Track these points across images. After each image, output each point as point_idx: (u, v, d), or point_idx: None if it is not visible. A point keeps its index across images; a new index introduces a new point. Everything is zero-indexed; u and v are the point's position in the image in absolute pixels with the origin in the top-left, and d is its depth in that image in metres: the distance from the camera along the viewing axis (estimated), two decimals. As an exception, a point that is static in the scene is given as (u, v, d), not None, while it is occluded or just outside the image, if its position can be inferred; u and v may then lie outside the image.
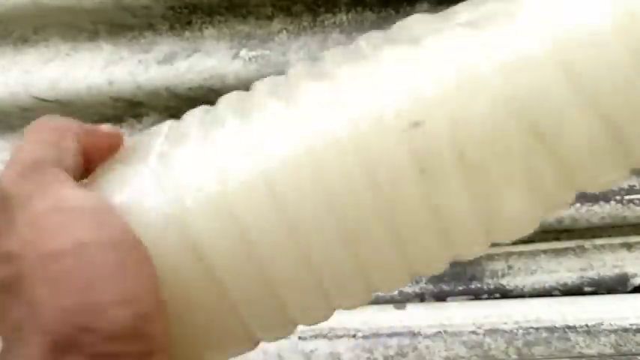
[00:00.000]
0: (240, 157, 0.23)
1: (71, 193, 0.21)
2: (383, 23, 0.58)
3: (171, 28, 0.60)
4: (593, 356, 0.58)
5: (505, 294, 0.68)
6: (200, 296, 0.23)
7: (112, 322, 0.19)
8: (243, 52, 0.59)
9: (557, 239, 0.68)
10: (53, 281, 0.19)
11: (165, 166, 0.24)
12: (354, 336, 0.63)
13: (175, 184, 0.23)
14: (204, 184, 0.23)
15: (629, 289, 0.67)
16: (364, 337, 0.62)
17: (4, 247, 0.20)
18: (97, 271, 0.19)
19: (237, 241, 0.23)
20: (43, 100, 0.61)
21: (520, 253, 0.66)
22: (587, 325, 0.61)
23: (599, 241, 0.68)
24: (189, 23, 0.60)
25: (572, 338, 0.60)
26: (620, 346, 0.59)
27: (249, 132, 0.24)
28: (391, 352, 0.61)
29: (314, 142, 0.23)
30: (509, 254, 0.66)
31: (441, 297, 0.65)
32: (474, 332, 0.62)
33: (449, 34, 0.24)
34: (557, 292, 0.68)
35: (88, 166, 0.24)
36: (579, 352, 0.59)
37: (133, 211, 0.22)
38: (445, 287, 0.65)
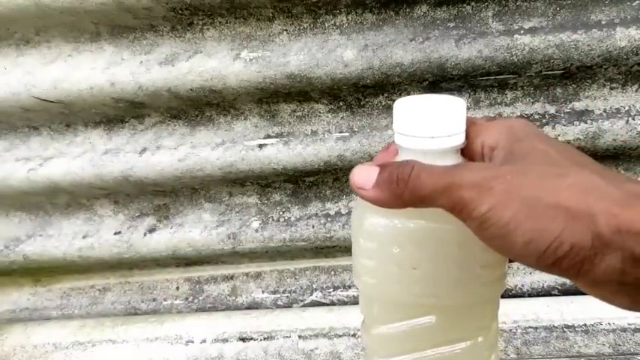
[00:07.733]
0: None
1: None
2: (383, 25, 0.58)
3: (173, 29, 0.60)
4: (592, 356, 0.58)
5: (504, 293, 0.68)
6: None
7: None
8: (244, 54, 0.60)
9: (556, 239, 0.68)
10: None
11: None
12: (354, 335, 0.63)
13: None
14: None
15: (627, 288, 0.67)
16: (364, 336, 0.62)
17: None
18: None
19: None
20: (45, 100, 0.61)
21: (519, 253, 0.67)
22: (585, 325, 0.61)
23: (597, 241, 0.68)
24: (190, 24, 0.60)
25: (570, 337, 0.60)
26: (619, 345, 0.59)
27: None
28: (391, 352, 0.61)
29: None
30: (509, 254, 0.66)
31: (440, 296, 0.65)
32: (473, 331, 0.62)
33: None
34: (556, 292, 0.68)
35: None
36: (578, 352, 0.59)
37: None
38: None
